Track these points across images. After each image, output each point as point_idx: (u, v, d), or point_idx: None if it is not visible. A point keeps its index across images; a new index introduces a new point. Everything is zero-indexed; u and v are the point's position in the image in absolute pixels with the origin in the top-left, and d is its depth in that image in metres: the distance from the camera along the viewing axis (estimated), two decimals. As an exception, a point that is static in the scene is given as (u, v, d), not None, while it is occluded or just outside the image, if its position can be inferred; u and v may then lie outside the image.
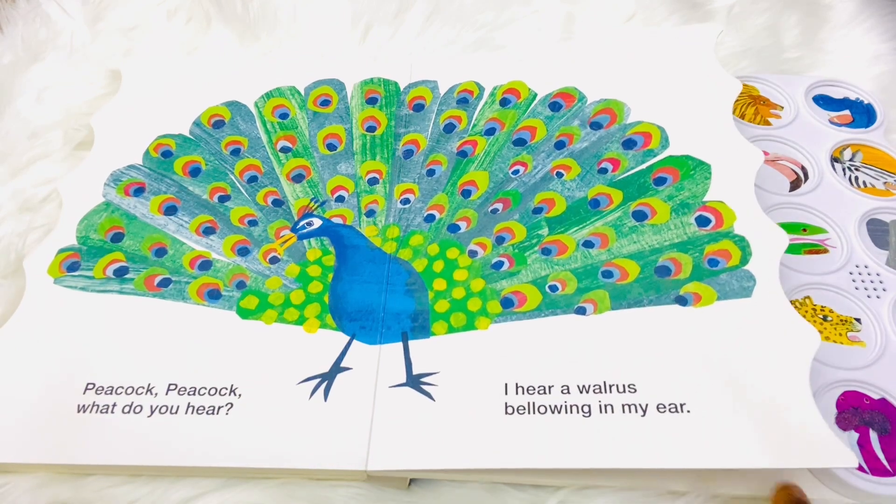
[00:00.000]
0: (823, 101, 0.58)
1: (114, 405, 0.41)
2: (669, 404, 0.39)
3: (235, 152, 0.54)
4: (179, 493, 0.39)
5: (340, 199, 0.51)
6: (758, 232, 0.45)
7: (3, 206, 0.51)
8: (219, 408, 0.41)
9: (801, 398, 0.38)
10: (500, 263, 0.46)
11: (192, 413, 0.41)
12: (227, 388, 0.42)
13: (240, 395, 0.41)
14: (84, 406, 0.41)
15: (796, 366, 0.39)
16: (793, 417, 0.37)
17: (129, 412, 0.41)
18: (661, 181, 0.49)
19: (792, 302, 0.45)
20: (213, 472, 0.40)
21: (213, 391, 0.42)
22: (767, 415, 0.38)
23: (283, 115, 0.56)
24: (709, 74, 0.55)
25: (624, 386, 0.40)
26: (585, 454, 0.38)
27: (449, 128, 0.54)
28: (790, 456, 0.36)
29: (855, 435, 0.40)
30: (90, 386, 0.42)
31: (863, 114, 0.57)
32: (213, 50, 0.63)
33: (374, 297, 0.45)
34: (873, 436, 0.40)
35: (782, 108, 0.57)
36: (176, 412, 0.41)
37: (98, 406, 0.41)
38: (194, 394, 0.42)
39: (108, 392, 0.42)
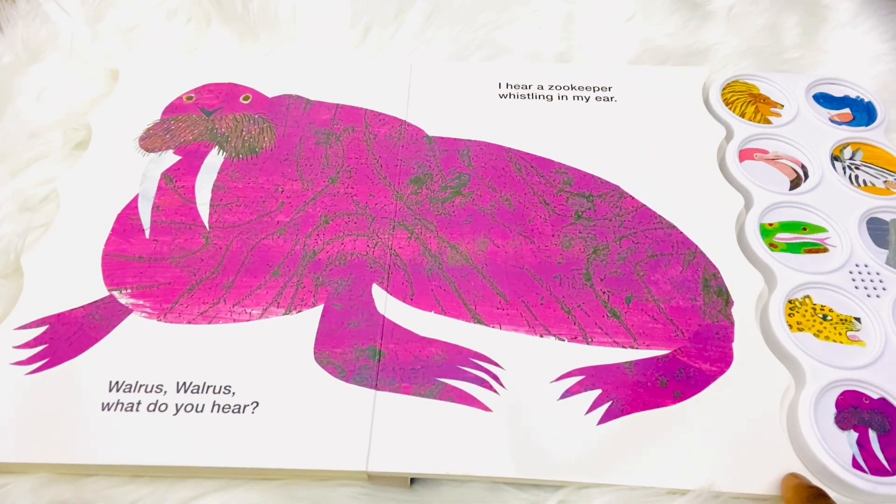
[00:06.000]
0: (824, 100, 0.58)
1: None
2: None
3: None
4: (180, 493, 0.39)
5: None
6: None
7: (3, 206, 0.51)
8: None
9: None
10: None
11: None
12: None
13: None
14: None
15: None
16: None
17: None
18: None
19: (792, 301, 0.45)
20: (212, 473, 0.40)
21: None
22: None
23: None
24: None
25: None
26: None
27: None
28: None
29: (854, 434, 0.40)
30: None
31: (863, 112, 0.57)
32: (213, 50, 0.63)
33: None
34: (872, 435, 0.40)
35: (783, 106, 0.57)
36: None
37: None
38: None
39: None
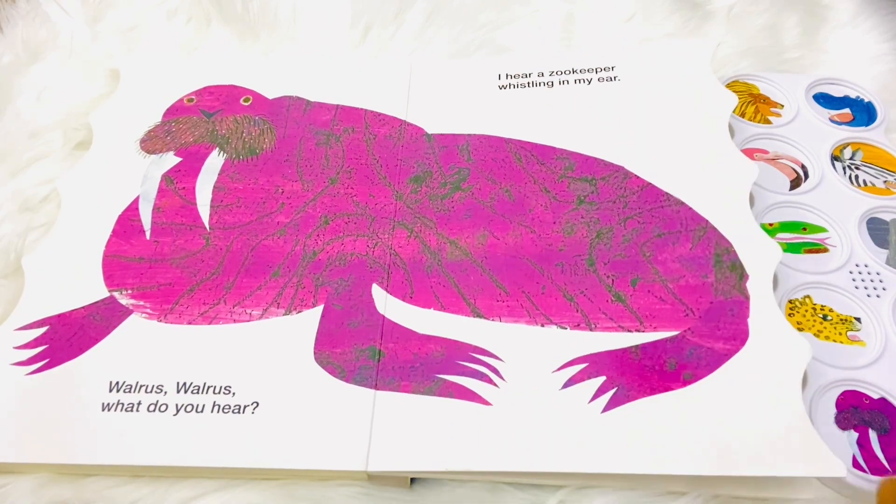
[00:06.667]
0: (824, 100, 0.58)
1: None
2: None
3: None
4: (180, 493, 0.39)
5: None
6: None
7: (3, 206, 0.51)
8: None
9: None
10: None
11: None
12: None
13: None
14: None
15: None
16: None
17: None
18: None
19: (792, 301, 0.45)
20: (212, 473, 0.40)
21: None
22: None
23: None
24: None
25: None
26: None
27: None
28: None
29: (854, 434, 0.40)
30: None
31: (863, 112, 0.57)
32: (213, 50, 0.63)
33: None
34: (873, 435, 0.40)
35: (783, 106, 0.57)
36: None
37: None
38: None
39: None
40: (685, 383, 0.40)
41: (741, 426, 0.38)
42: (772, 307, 0.43)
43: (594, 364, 0.42)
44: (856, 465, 0.38)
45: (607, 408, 0.40)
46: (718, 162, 0.50)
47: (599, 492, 0.39)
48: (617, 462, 0.38)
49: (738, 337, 0.42)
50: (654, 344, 0.42)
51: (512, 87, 0.58)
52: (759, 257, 0.45)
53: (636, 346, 0.42)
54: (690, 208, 0.48)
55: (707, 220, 0.47)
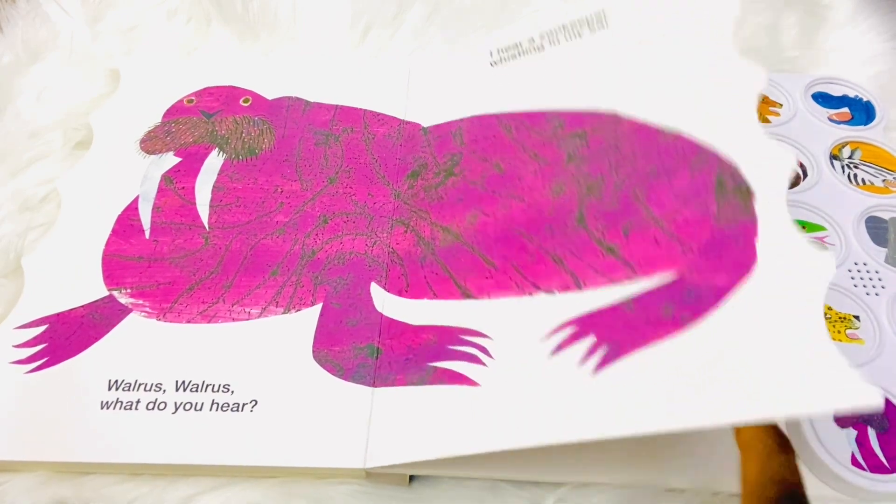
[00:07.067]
0: (822, 99, 0.58)
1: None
2: None
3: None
4: (179, 491, 0.39)
5: None
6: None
7: (3, 206, 0.51)
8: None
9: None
10: None
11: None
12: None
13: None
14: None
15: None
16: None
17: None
18: None
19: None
20: (211, 471, 0.40)
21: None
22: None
23: None
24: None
25: None
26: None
27: None
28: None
29: (853, 432, 0.40)
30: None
31: (862, 111, 0.57)
32: (213, 50, 0.63)
33: None
34: (871, 433, 0.40)
35: (781, 105, 0.57)
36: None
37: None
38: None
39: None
40: (683, 326, 0.36)
41: (754, 364, 0.32)
42: (784, 222, 0.36)
43: (583, 325, 0.39)
44: (854, 463, 0.38)
45: (599, 366, 0.37)
46: (720, 72, 0.44)
47: (598, 490, 0.39)
48: (614, 424, 0.34)
49: (743, 264, 0.36)
50: (648, 293, 0.39)
51: (503, 60, 0.55)
52: (769, 170, 0.38)
53: (628, 299, 0.39)
54: (686, 138, 0.43)
55: (706, 146, 0.42)
